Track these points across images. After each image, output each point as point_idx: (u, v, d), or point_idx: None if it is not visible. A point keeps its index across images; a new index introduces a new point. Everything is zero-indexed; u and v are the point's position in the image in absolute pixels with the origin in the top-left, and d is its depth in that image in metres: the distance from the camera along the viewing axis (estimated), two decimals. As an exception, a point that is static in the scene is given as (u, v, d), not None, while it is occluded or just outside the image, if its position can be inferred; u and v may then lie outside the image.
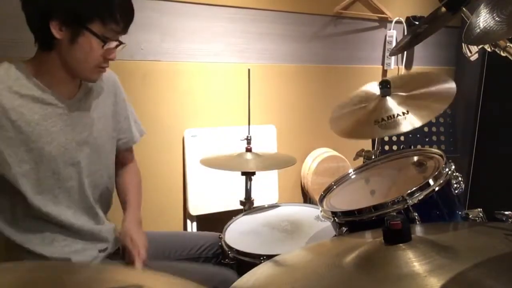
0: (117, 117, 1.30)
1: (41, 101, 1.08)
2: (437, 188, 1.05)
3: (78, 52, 1.06)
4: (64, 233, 1.15)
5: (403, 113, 1.29)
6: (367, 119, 1.35)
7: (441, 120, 2.07)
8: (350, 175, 1.38)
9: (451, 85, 1.31)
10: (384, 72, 2.65)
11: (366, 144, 1.79)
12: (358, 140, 1.89)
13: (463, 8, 1.12)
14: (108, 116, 1.26)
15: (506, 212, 0.97)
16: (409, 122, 1.25)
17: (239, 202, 1.67)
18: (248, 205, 1.65)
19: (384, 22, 2.58)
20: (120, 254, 1.25)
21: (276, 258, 0.85)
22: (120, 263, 1.21)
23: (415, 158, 1.31)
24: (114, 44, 1.09)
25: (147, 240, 1.22)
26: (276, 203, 1.73)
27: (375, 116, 1.33)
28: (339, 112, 1.49)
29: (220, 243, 1.34)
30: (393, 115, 1.30)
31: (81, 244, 1.17)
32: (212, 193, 2.05)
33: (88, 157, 1.18)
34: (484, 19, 0.85)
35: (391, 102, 1.35)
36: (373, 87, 1.48)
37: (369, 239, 0.86)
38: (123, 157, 1.39)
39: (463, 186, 1.12)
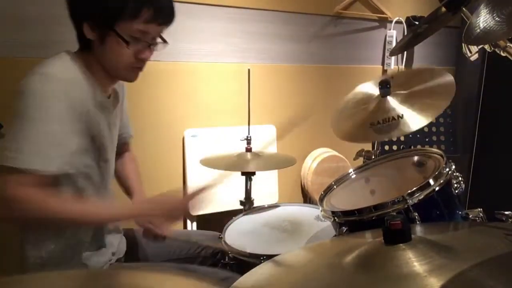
0: (121, 113, 1.32)
1: (93, 95, 1.09)
2: (437, 188, 1.05)
3: (109, 53, 1.08)
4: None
5: (398, 117, 1.26)
6: (364, 122, 1.33)
7: (441, 120, 2.07)
8: (350, 175, 1.38)
9: (450, 81, 1.27)
10: (384, 72, 2.65)
11: (366, 144, 1.79)
12: (358, 140, 1.89)
13: (463, 8, 1.12)
14: (119, 112, 1.28)
15: (506, 212, 0.98)
16: (403, 127, 1.23)
17: (239, 202, 1.67)
18: (248, 205, 1.65)
19: (384, 22, 2.58)
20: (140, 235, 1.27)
21: (276, 258, 0.85)
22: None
23: (415, 158, 1.31)
24: (142, 44, 1.09)
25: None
26: (276, 203, 1.73)
27: (371, 119, 1.31)
28: (340, 113, 1.48)
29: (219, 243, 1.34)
30: (388, 119, 1.27)
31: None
32: (212, 193, 2.04)
33: (113, 154, 1.24)
34: (484, 19, 0.85)
35: (390, 103, 1.31)
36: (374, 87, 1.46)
37: (369, 239, 0.86)
38: (120, 149, 1.40)
39: (463, 186, 1.12)
